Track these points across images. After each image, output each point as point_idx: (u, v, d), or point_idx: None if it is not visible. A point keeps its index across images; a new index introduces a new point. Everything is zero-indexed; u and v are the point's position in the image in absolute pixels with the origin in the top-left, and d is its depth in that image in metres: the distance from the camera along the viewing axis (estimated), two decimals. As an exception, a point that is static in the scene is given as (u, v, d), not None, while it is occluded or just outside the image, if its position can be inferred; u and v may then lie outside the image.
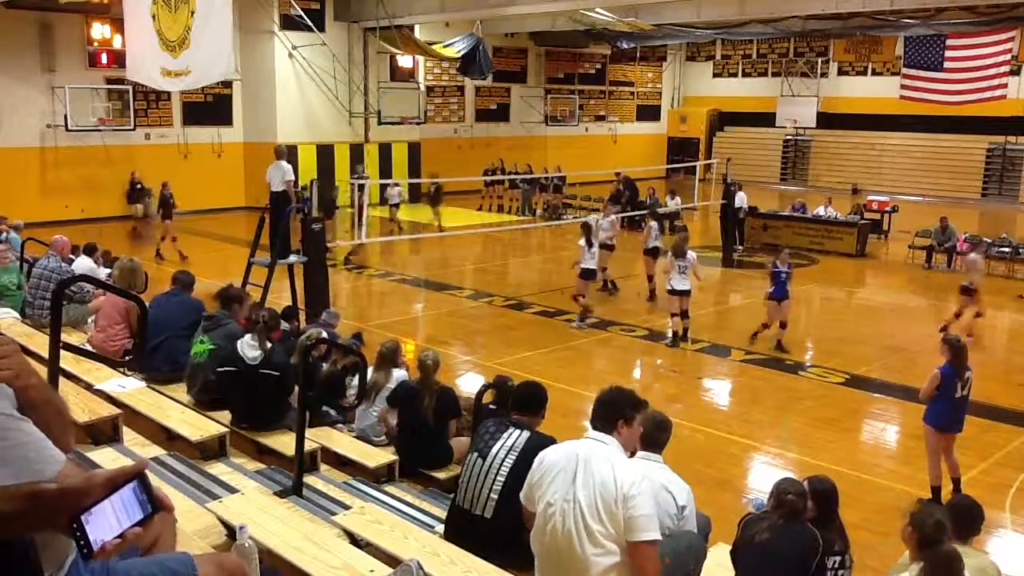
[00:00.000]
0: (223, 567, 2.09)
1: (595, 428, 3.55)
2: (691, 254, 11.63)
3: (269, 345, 5.96)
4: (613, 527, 3.27)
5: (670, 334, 11.74)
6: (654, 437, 4.16)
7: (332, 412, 6.65)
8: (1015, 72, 27.11)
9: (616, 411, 3.55)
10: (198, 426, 5.47)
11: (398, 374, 6.48)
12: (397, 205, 20.06)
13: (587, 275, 12.63)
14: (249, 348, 5.91)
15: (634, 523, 3.23)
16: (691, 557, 3.93)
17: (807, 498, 4.16)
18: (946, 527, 3.69)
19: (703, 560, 4.06)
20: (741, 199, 18.55)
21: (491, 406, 6.05)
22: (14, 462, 1.51)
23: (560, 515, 3.37)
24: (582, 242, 12.65)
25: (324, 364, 6.89)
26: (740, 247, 18.72)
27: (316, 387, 6.30)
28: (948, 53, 27.22)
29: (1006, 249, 17.16)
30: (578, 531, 3.31)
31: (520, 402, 4.54)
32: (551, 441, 4.28)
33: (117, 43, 20.23)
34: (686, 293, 11.54)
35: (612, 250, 14.63)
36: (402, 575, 3.39)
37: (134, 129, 21.51)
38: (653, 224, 14.55)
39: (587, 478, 3.35)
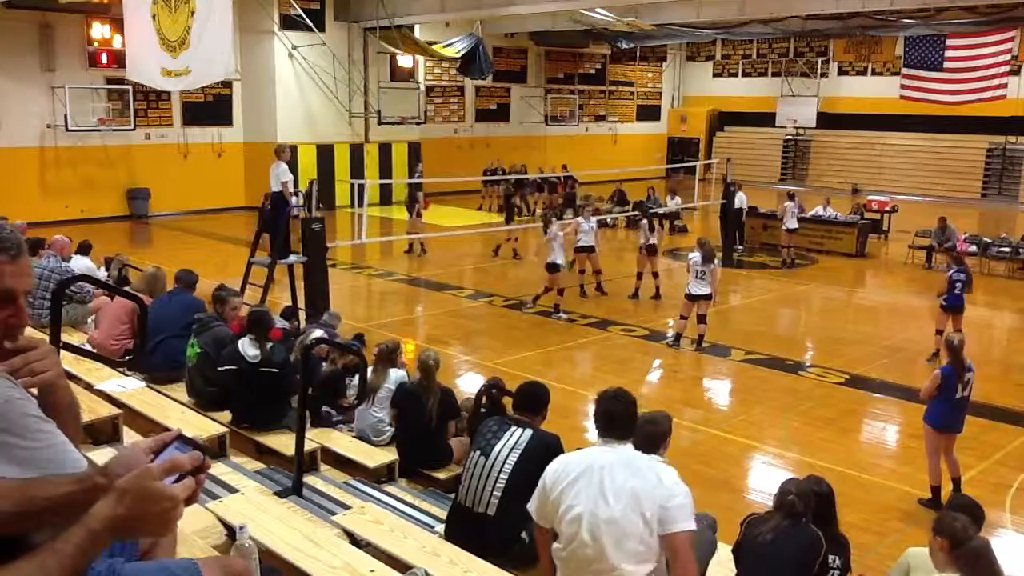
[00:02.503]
0: (229, 571, 2.08)
1: (612, 438, 3.48)
2: (715, 260, 11.47)
3: (269, 344, 5.97)
4: (649, 540, 3.27)
5: (671, 334, 11.72)
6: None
7: (333, 412, 6.65)
8: (1015, 72, 27.11)
9: (633, 418, 3.54)
10: (198, 426, 5.46)
11: (396, 374, 6.46)
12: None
13: (552, 268, 13.11)
14: (250, 347, 5.92)
15: (674, 513, 3.26)
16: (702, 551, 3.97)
17: (810, 499, 4.16)
18: (972, 526, 3.69)
19: (714, 550, 4.07)
20: (741, 199, 18.57)
21: (482, 410, 6.04)
22: (43, 464, 1.52)
23: (589, 527, 3.32)
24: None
25: (324, 363, 6.88)
26: (740, 247, 18.74)
27: (316, 387, 6.31)
28: (948, 53, 27.24)
29: (1006, 249, 17.16)
30: (611, 542, 3.28)
31: (522, 401, 4.55)
32: (554, 439, 4.29)
33: (117, 43, 20.22)
34: (706, 298, 11.28)
35: (593, 251, 14.37)
36: None
37: (134, 129, 21.51)
38: (644, 222, 14.52)
39: (620, 490, 3.31)
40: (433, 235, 19.20)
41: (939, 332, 10.74)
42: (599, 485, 3.34)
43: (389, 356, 6.56)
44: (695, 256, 11.35)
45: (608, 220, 18.22)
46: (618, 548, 3.27)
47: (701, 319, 11.38)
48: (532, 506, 3.61)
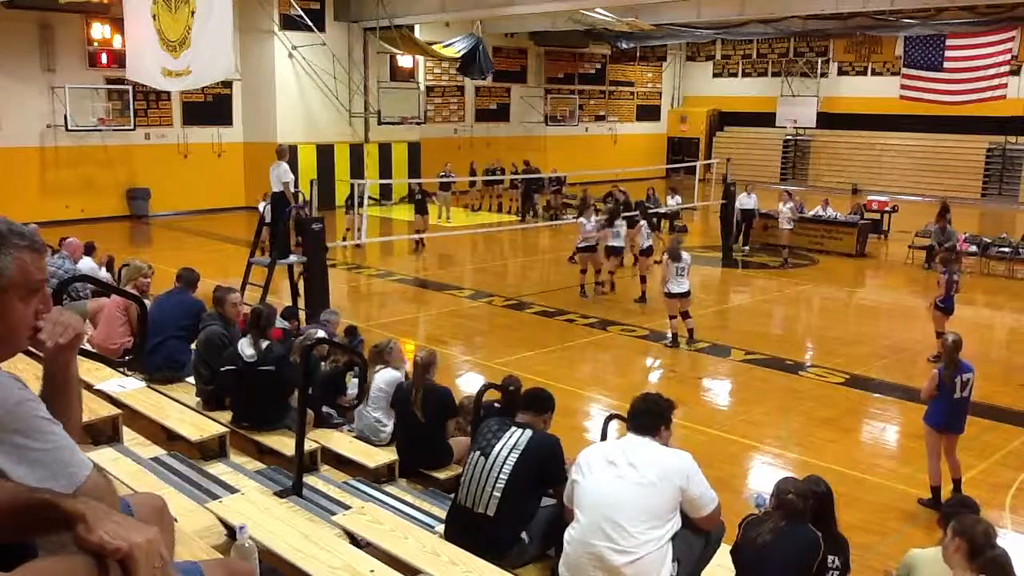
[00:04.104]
0: (233, 574, 2.09)
1: (637, 432, 3.83)
2: (686, 256, 11.60)
3: (266, 343, 5.97)
4: (670, 510, 3.62)
5: (670, 335, 11.73)
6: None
7: (333, 413, 6.64)
8: (1015, 72, 27.10)
9: (658, 419, 3.87)
10: (198, 426, 5.47)
11: (385, 374, 6.42)
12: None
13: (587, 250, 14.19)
14: (248, 347, 5.92)
15: (698, 502, 3.72)
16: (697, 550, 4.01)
17: (808, 498, 4.15)
18: (994, 531, 3.63)
19: (714, 548, 4.11)
20: (753, 201, 18.61)
21: (495, 404, 6.04)
22: (51, 464, 1.54)
23: (611, 502, 3.62)
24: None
25: (324, 363, 6.86)
26: (747, 248, 18.67)
27: (317, 386, 6.32)
28: (948, 53, 27.23)
29: (1006, 249, 17.16)
30: (632, 517, 3.56)
31: (527, 403, 4.57)
32: (554, 440, 4.30)
33: (117, 43, 20.23)
34: (685, 295, 11.50)
35: (595, 251, 14.48)
36: None
37: (134, 129, 21.51)
38: (643, 223, 14.52)
39: (643, 467, 3.63)
40: (437, 235, 19.21)
41: (941, 334, 10.78)
42: (626, 464, 3.67)
43: (378, 355, 6.54)
44: (664, 256, 11.73)
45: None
46: (638, 519, 3.56)
47: (685, 315, 11.57)
48: (566, 493, 3.93)
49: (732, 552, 4.22)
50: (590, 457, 3.82)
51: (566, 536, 3.78)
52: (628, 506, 3.58)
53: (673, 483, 3.63)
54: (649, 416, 3.83)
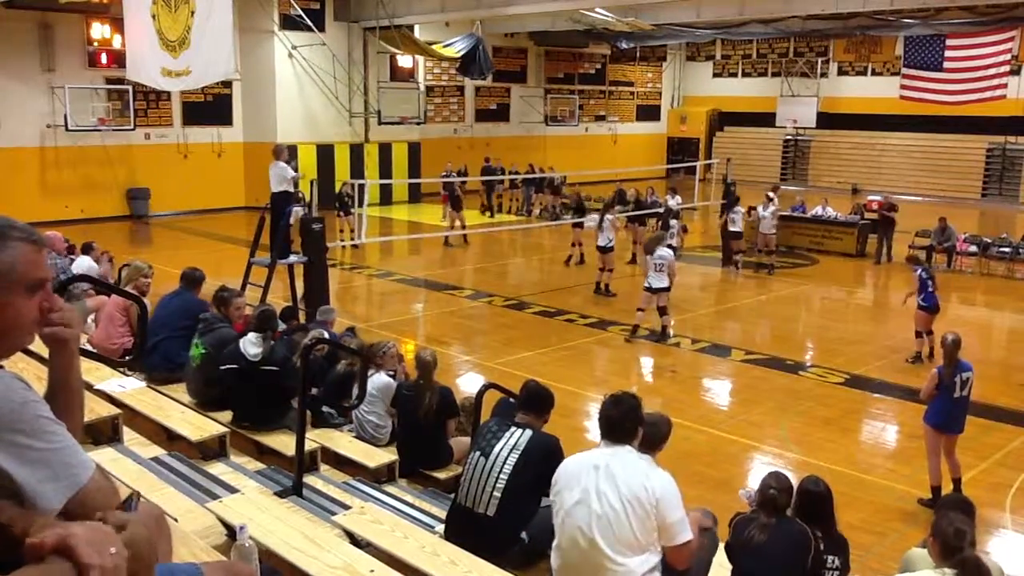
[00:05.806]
0: None
1: (613, 442, 3.60)
2: (667, 252, 11.75)
3: (271, 343, 5.97)
4: (643, 534, 3.41)
5: (632, 326, 11.80)
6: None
7: (334, 413, 6.63)
8: (1015, 72, 27.11)
9: (636, 422, 3.64)
10: (198, 426, 5.46)
11: (377, 378, 6.40)
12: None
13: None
14: (251, 346, 5.91)
15: (671, 529, 3.43)
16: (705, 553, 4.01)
17: (791, 493, 4.16)
18: (967, 533, 3.68)
19: (715, 551, 4.10)
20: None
21: (511, 399, 6.04)
22: (55, 465, 1.54)
23: (582, 526, 3.46)
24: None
25: (341, 363, 6.81)
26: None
27: (327, 387, 6.31)
28: (948, 53, 27.25)
29: (1006, 249, 17.17)
30: (604, 541, 3.41)
31: (526, 402, 4.56)
32: (554, 440, 4.29)
33: (117, 43, 20.23)
34: (663, 290, 11.60)
35: (612, 251, 14.56)
36: None
37: (134, 129, 21.51)
38: (674, 223, 14.64)
39: (612, 487, 3.44)
40: (438, 234, 19.21)
41: (926, 334, 10.88)
42: (595, 485, 3.48)
43: (371, 356, 6.53)
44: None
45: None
46: (611, 543, 3.41)
47: (662, 311, 11.66)
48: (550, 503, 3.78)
49: (726, 551, 4.22)
50: (564, 479, 3.61)
51: (552, 562, 3.68)
52: (604, 537, 3.40)
53: (643, 506, 3.40)
54: (625, 422, 3.59)
